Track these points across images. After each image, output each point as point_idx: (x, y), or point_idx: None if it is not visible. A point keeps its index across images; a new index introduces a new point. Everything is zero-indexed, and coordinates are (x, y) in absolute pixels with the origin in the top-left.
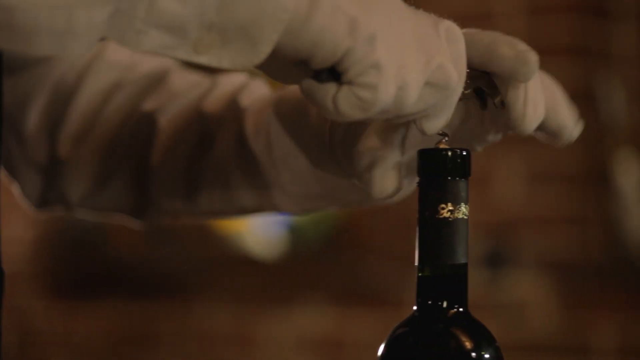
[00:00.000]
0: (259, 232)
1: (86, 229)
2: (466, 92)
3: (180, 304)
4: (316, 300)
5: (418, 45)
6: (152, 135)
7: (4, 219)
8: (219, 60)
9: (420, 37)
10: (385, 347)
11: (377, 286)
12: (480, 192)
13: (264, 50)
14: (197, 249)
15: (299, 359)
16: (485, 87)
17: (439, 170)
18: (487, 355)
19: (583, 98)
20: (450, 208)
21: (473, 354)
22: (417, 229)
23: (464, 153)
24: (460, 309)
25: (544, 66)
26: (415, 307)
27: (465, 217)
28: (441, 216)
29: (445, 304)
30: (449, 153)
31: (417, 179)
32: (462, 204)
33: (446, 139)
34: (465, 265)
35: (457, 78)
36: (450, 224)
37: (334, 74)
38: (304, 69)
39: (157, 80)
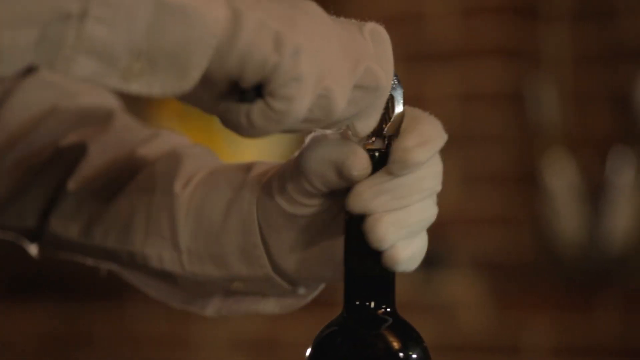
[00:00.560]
0: None
1: None
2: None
3: (113, 305)
4: None
5: (344, 51)
6: (78, 161)
7: None
8: (149, 88)
9: (345, 42)
10: (312, 347)
11: None
12: None
13: (194, 76)
14: None
15: None
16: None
17: None
18: (414, 356)
19: (514, 99)
20: None
21: (400, 354)
22: (344, 230)
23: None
24: (388, 309)
25: (476, 68)
26: (343, 308)
27: None
28: None
29: (372, 305)
30: (376, 154)
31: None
32: None
33: (374, 139)
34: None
35: (385, 78)
36: None
37: (260, 94)
38: (227, 95)
39: (97, 116)
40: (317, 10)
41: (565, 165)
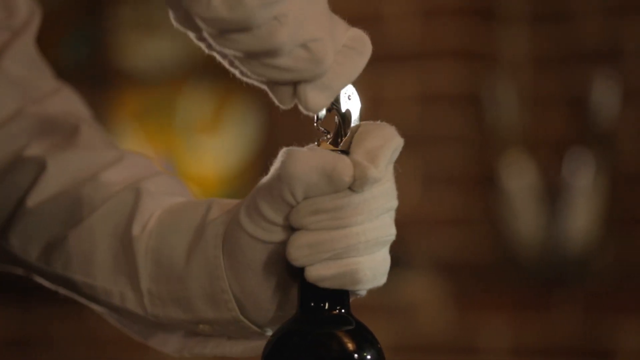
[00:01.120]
0: None
1: None
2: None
3: (72, 307)
4: None
5: (319, 17)
6: (37, 177)
7: None
8: None
9: (326, 18)
10: (267, 348)
11: None
12: None
13: None
14: None
15: None
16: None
17: None
18: (368, 357)
19: (472, 100)
20: None
21: (355, 355)
22: None
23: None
24: (342, 310)
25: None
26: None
27: None
28: None
29: (327, 306)
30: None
31: None
32: None
33: (329, 136)
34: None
35: (330, 62)
36: None
37: None
38: None
39: (62, 128)
40: None
41: (524, 167)
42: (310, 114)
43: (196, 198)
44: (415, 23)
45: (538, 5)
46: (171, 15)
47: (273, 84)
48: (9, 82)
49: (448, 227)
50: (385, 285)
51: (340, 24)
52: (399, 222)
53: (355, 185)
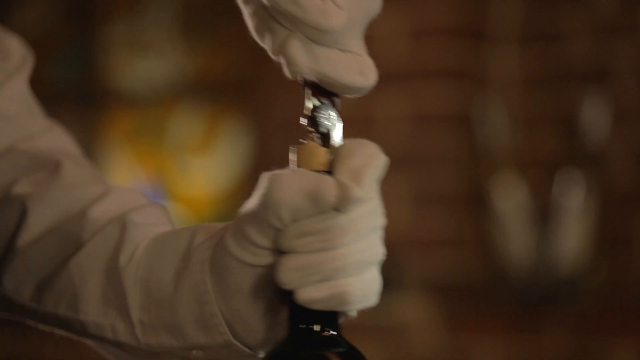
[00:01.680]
0: None
1: None
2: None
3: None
4: None
5: None
6: (24, 216)
7: None
8: None
9: None
10: None
11: None
12: None
13: None
14: None
15: None
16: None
17: None
18: None
19: (463, 121)
20: None
21: None
22: None
23: None
24: (333, 332)
25: (426, 89)
26: (287, 331)
27: None
28: None
29: (317, 328)
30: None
31: None
32: None
33: (318, 136)
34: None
35: (335, 27)
36: None
37: None
38: None
39: (48, 163)
40: None
41: (514, 187)
42: (288, 73)
43: (182, 226)
44: (406, 43)
45: (528, 26)
46: None
47: (274, 27)
48: (2, 120)
49: (439, 247)
50: (376, 306)
51: (360, 42)
52: (390, 243)
53: (340, 205)
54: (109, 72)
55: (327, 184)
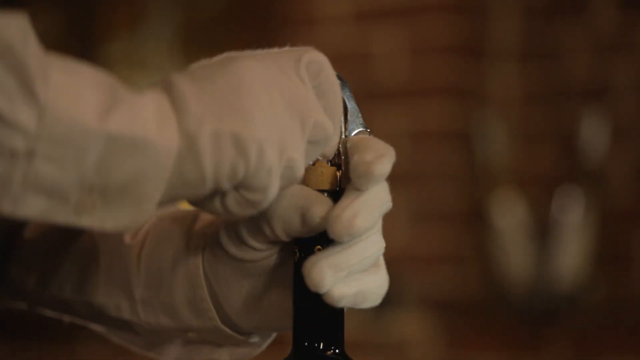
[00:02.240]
0: None
1: None
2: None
3: (64, 346)
4: None
5: (290, 108)
6: None
7: None
8: (102, 222)
9: (289, 97)
10: None
11: None
12: None
13: (148, 209)
14: None
15: None
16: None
17: None
18: None
19: (462, 137)
20: None
21: None
22: (293, 271)
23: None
24: (337, 350)
25: (425, 106)
26: (292, 349)
27: None
28: None
29: (321, 346)
30: (325, 195)
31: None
32: None
33: (320, 158)
34: (341, 307)
35: (332, 127)
36: None
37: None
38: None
39: None
40: (253, 72)
41: (514, 204)
42: None
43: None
44: (405, 61)
45: (527, 43)
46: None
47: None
48: None
49: (438, 264)
50: (376, 322)
51: (292, 72)
52: (390, 259)
53: (363, 181)
54: None
55: (320, 207)
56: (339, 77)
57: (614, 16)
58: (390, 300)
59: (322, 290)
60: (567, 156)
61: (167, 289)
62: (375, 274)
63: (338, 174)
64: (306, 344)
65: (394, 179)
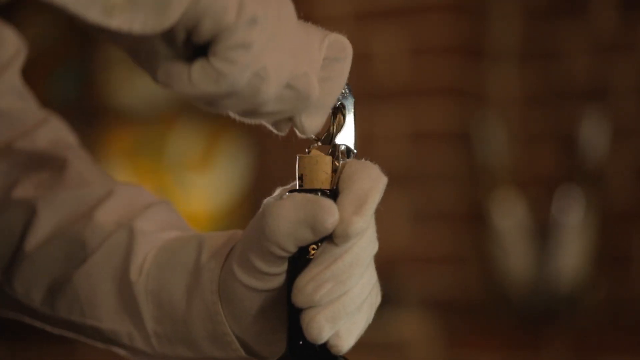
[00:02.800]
0: None
1: None
2: None
3: (64, 348)
4: None
5: (294, 50)
6: (29, 220)
7: None
8: (130, 24)
9: (299, 45)
10: None
11: None
12: None
13: (175, 14)
14: None
15: None
16: None
17: None
18: None
19: (462, 138)
20: None
21: None
22: (288, 269)
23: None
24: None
25: (425, 107)
26: (286, 347)
27: None
28: (312, 257)
29: (316, 345)
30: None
31: None
32: None
33: (319, 143)
34: None
35: (317, 92)
36: None
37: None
38: (173, 51)
39: (51, 162)
40: (290, 7)
41: (514, 204)
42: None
43: (188, 225)
44: (405, 61)
45: (527, 43)
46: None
47: (274, 123)
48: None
49: (438, 264)
50: (375, 323)
51: (316, 37)
52: (389, 260)
53: (341, 241)
54: (109, 90)
55: (323, 211)
56: (350, 90)
57: (614, 17)
58: (390, 300)
59: (321, 341)
60: (567, 156)
61: (183, 323)
62: (366, 306)
63: (333, 166)
64: (301, 342)
65: (394, 180)
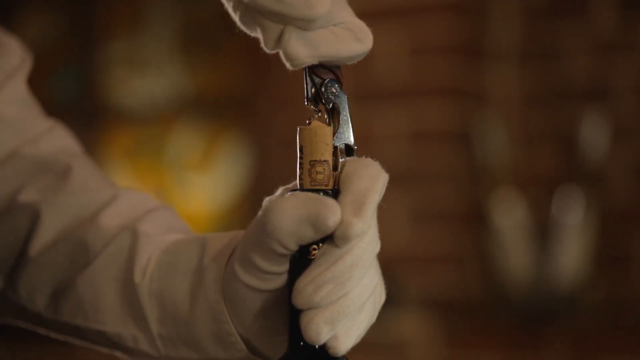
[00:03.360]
0: None
1: None
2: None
3: (64, 348)
4: None
5: None
6: (34, 224)
7: None
8: None
9: None
10: None
11: None
12: None
13: None
14: None
15: None
16: None
17: None
18: None
19: (462, 138)
20: None
21: None
22: (289, 269)
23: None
24: None
25: (425, 107)
26: (287, 348)
27: None
28: (313, 257)
29: (317, 345)
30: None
31: None
32: None
33: (319, 114)
34: None
35: (324, 11)
36: None
37: None
38: None
39: (55, 168)
40: None
41: (514, 204)
42: (289, 66)
43: (190, 229)
44: (406, 61)
45: (527, 43)
46: None
47: (264, 24)
48: (3, 123)
49: (438, 264)
50: (376, 322)
51: (347, 7)
52: (390, 259)
53: (342, 242)
54: (109, 90)
55: (325, 209)
56: (341, 88)
57: (614, 16)
58: (390, 300)
59: (319, 342)
60: (567, 156)
61: (186, 324)
62: (368, 308)
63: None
64: (302, 343)
65: (394, 180)
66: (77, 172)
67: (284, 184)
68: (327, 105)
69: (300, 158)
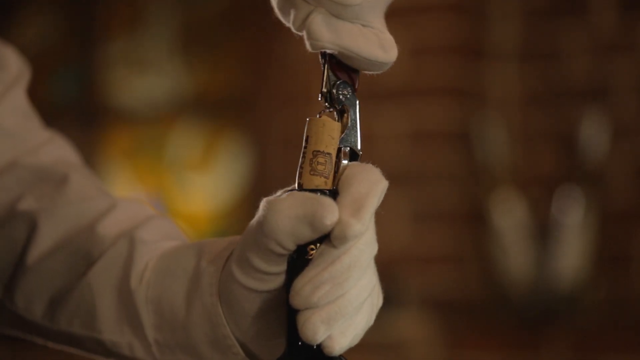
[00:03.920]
0: None
1: None
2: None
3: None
4: None
5: None
6: (31, 233)
7: None
8: None
9: None
10: None
11: None
12: None
13: None
14: None
15: None
16: None
17: None
18: None
19: (463, 138)
20: None
21: None
22: (286, 269)
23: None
24: None
25: (425, 107)
26: (285, 347)
27: None
28: (310, 257)
29: (315, 345)
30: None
31: None
32: None
33: (330, 110)
34: None
35: (354, 4)
36: None
37: None
38: None
39: (54, 177)
40: None
41: (514, 204)
42: (309, 47)
43: (187, 239)
44: (406, 61)
45: (527, 43)
46: None
47: (297, 3)
48: (3, 134)
49: (438, 264)
50: (375, 322)
51: (382, 20)
52: (389, 260)
53: (340, 242)
54: (109, 90)
55: (322, 208)
56: (354, 92)
57: (614, 16)
58: (390, 300)
59: (316, 342)
60: (567, 156)
61: (183, 329)
62: (365, 309)
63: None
64: (300, 343)
65: (394, 179)
66: (76, 182)
67: (283, 185)
68: (336, 106)
69: (305, 147)
